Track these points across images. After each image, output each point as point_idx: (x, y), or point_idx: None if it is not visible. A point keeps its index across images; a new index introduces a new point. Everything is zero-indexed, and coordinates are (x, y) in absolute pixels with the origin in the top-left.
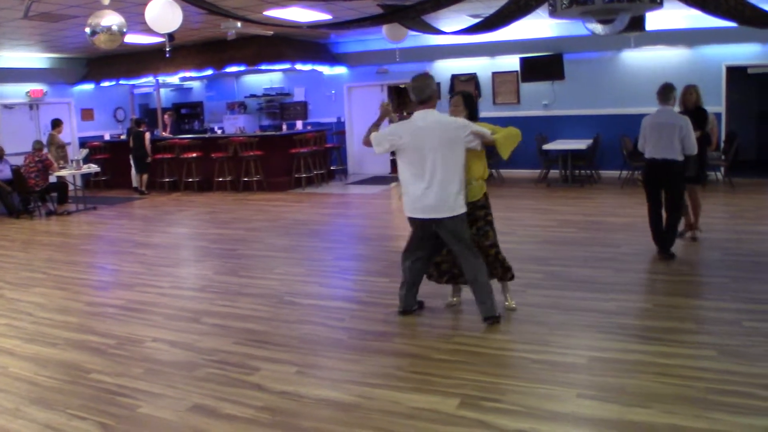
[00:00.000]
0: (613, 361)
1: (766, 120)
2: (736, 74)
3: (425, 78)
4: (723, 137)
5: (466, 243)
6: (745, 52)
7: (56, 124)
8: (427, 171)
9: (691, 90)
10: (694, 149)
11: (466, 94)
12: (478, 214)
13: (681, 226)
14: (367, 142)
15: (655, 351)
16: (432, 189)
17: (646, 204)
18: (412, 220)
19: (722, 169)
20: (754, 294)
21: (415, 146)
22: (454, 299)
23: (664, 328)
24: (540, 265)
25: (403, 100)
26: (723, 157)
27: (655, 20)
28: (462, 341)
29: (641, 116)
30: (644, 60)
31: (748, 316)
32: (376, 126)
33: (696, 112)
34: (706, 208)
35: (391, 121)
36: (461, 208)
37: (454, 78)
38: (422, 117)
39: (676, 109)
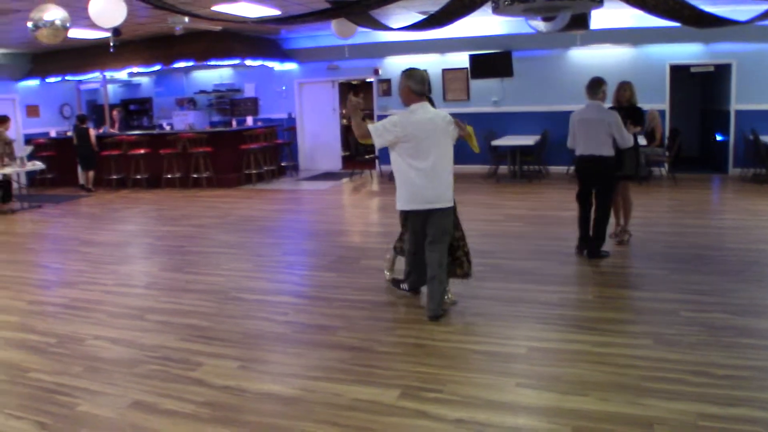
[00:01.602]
0: (551, 351)
1: (708, 117)
2: (680, 73)
3: (424, 72)
4: (666, 134)
5: (449, 238)
6: (688, 52)
7: (3, 120)
8: (430, 162)
9: (625, 86)
10: (627, 142)
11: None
12: None
13: (611, 228)
14: (362, 135)
15: (593, 341)
16: (434, 180)
17: (577, 202)
18: (414, 214)
19: (666, 165)
20: (692, 285)
21: (418, 138)
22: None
23: (603, 318)
24: (485, 258)
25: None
26: (666, 153)
27: (600, 19)
28: (404, 333)
29: None
30: (590, 58)
31: (686, 306)
32: (360, 120)
33: (631, 110)
34: (649, 203)
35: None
36: (452, 200)
37: None
38: (421, 109)
39: (608, 104)
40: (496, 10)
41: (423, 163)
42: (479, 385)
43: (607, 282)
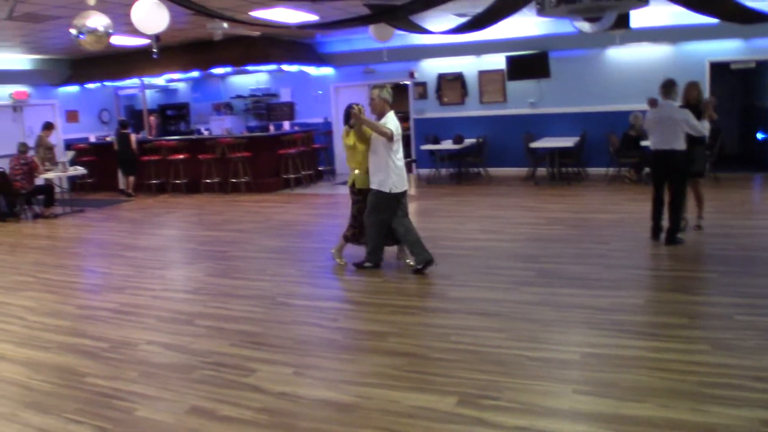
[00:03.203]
0: (607, 357)
1: (749, 115)
2: (720, 70)
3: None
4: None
5: None
6: (727, 48)
7: (48, 126)
8: (402, 154)
9: (692, 86)
10: (703, 130)
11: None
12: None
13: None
14: (388, 136)
15: (649, 346)
16: (404, 167)
17: (652, 195)
18: (399, 194)
19: (708, 164)
20: (744, 288)
21: (400, 135)
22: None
23: (657, 323)
24: (530, 262)
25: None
26: (708, 152)
27: (639, 17)
28: (458, 340)
29: (627, 113)
30: (629, 57)
31: (740, 309)
32: (373, 123)
33: (698, 108)
34: (695, 203)
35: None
36: None
37: (441, 77)
38: (395, 115)
39: (678, 103)
40: (541, 11)
41: (400, 155)
42: (536, 391)
43: (658, 286)
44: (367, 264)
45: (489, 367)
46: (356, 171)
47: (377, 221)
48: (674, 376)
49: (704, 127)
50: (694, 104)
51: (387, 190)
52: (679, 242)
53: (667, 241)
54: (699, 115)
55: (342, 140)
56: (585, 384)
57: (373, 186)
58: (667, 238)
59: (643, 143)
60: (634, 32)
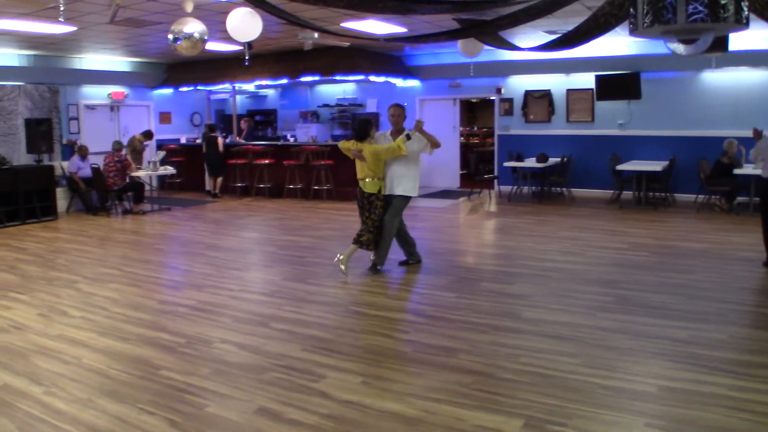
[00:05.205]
0: (684, 392)
1: None
2: None
3: None
4: None
5: None
6: None
7: (147, 133)
8: None
9: None
10: None
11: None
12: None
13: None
14: (439, 145)
15: (729, 384)
16: None
17: (761, 224)
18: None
19: None
20: None
21: None
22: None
23: (739, 360)
24: (610, 288)
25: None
26: None
27: (738, 41)
28: (528, 362)
29: (720, 139)
30: (725, 81)
31: None
32: (431, 135)
33: None
34: None
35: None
36: None
37: (528, 94)
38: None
39: None
40: (634, 31)
41: None
42: (606, 421)
43: (743, 321)
44: (379, 265)
45: (559, 392)
46: (377, 179)
47: (397, 223)
48: (754, 418)
49: None
50: None
51: (415, 195)
52: None
53: None
54: None
55: (367, 152)
56: (658, 418)
57: (402, 192)
58: None
59: (736, 171)
60: (731, 56)
